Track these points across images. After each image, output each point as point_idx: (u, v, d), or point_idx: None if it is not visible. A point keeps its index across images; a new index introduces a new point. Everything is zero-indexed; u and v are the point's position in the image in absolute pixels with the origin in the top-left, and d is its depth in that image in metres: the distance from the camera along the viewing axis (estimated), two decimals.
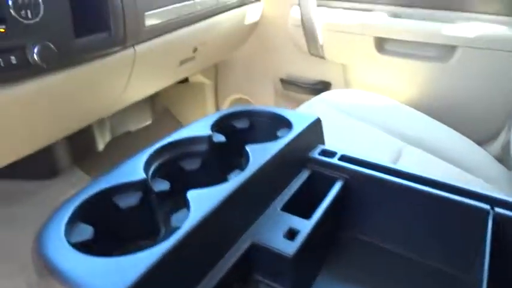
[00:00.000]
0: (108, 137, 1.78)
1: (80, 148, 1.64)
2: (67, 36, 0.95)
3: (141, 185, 0.56)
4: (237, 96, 2.21)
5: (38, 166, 1.47)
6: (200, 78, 2.19)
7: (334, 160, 0.69)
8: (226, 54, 2.07)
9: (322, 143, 0.76)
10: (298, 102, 1.75)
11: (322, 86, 1.86)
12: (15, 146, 1.13)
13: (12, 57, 0.85)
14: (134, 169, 0.57)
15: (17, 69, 0.87)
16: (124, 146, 1.88)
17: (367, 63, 1.66)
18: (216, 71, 2.21)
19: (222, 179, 0.58)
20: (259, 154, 0.61)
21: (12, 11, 0.82)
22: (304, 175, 0.68)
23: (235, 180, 0.54)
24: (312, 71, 1.87)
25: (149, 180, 0.58)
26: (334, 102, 1.43)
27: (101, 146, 1.73)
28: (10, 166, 1.14)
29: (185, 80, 2.16)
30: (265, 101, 2.08)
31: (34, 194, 1.48)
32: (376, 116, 1.34)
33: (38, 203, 1.47)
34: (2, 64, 0.84)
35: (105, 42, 1.06)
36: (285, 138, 0.66)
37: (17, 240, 1.36)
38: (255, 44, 1.99)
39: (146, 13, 1.16)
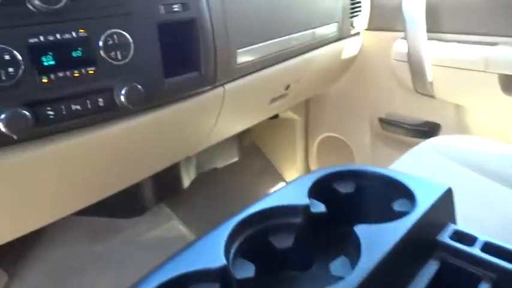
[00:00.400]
0: (194, 174, 1.74)
1: (166, 185, 1.61)
2: (156, 77, 0.89)
3: (220, 273, 0.44)
4: (329, 134, 2.06)
5: (124, 203, 1.46)
6: (290, 113, 2.09)
7: (475, 250, 0.51)
8: (319, 90, 1.94)
9: (454, 221, 0.58)
10: (400, 146, 1.54)
11: (429, 128, 1.63)
12: (105, 184, 1.10)
13: (100, 99, 0.81)
14: (213, 250, 0.46)
15: (104, 111, 0.83)
16: (210, 182, 1.82)
17: (488, 105, 1.42)
18: (307, 107, 2.09)
19: (320, 263, 0.44)
20: (375, 242, 0.45)
21: (102, 52, 0.78)
22: (431, 268, 0.50)
23: (348, 282, 0.40)
24: (417, 111, 1.66)
25: (230, 265, 0.46)
26: (448, 150, 1.20)
27: (186, 183, 1.68)
28: (97, 203, 1.12)
29: (274, 116, 2.07)
30: (361, 142, 1.90)
31: (121, 231, 1.47)
32: (503, 170, 1.10)
33: (124, 241, 1.44)
34: (89, 106, 0.80)
35: (195, 82, 1.00)
36: (409, 218, 0.50)
37: (103, 277, 1.33)
38: (351, 79, 1.84)
39: (238, 50, 1.08)
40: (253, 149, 2.14)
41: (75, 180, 0.96)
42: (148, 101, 0.88)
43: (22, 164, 0.78)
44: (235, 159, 1.94)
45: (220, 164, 1.86)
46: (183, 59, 0.96)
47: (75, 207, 1.06)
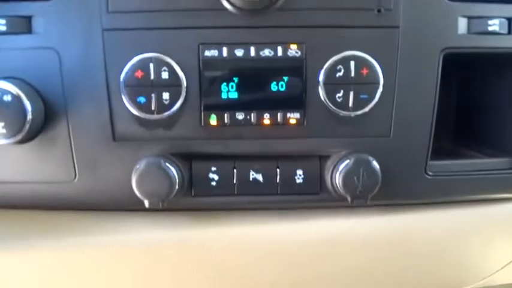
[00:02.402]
0: None
1: None
2: (416, 154, 0.46)
3: None
4: None
5: None
6: None
7: None
8: None
9: None
10: None
11: None
12: None
13: (300, 173, 0.46)
14: None
15: (303, 194, 0.46)
16: None
17: None
18: None
19: None
20: None
21: (321, 89, 0.44)
22: None
23: None
24: None
25: None
26: None
27: None
28: None
29: None
30: None
31: None
32: None
33: None
34: (277, 179, 0.47)
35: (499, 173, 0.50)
36: None
37: None
38: None
39: None
40: None
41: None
42: (394, 196, 0.46)
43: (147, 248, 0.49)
44: None
45: None
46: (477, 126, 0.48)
47: None
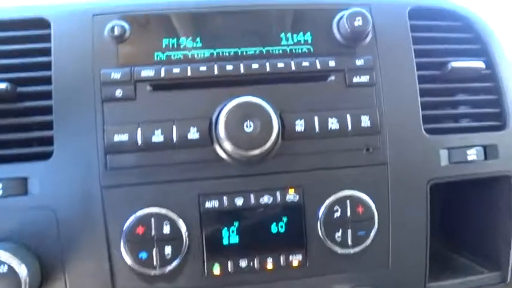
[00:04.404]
0: None
1: None
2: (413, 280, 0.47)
3: None
4: None
5: None
6: None
7: None
8: None
9: None
10: None
11: None
12: None
13: None
14: None
15: None
16: None
17: None
18: None
19: None
20: None
21: (320, 228, 0.44)
22: None
23: None
24: None
25: None
26: None
27: None
28: None
29: None
30: None
31: None
32: None
33: None
34: None
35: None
36: None
37: None
38: None
39: None
40: None
41: None
42: None
43: None
44: None
45: None
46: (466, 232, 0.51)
47: None
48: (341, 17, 0.47)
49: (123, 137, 0.43)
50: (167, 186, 0.43)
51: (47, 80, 0.44)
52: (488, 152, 0.49)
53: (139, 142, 0.42)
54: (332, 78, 0.46)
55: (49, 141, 0.43)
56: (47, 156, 0.43)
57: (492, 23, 0.53)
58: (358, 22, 0.45)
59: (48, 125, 0.43)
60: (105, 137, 0.43)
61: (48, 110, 0.43)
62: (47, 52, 0.44)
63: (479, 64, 0.49)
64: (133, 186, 0.43)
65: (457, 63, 0.49)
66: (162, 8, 0.46)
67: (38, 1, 0.47)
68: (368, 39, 0.47)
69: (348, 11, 0.46)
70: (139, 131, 0.42)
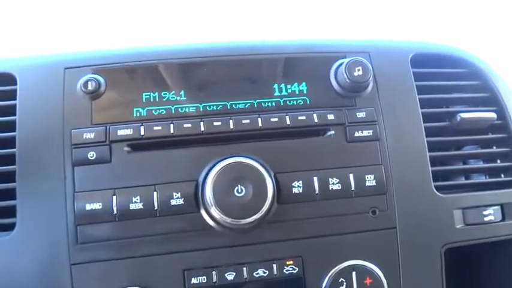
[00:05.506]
0: None
1: None
2: None
3: None
4: None
5: None
6: None
7: None
8: None
9: None
10: None
11: None
12: None
13: None
14: None
15: None
16: None
17: None
18: None
19: None
20: None
21: None
22: None
23: None
24: None
25: None
26: None
27: None
28: None
29: None
30: None
31: None
32: None
33: None
34: None
35: None
36: None
37: None
38: None
39: None
40: None
41: None
42: None
43: None
44: None
45: None
46: None
47: None
48: (339, 66, 0.43)
49: (96, 206, 0.37)
50: (147, 260, 0.38)
51: (10, 142, 0.39)
52: (506, 211, 0.44)
53: (115, 211, 0.37)
54: (331, 133, 0.42)
55: (12, 211, 0.38)
56: (9, 228, 0.38)
57: (500, 67, 0.50)
58: (358, 72, 0.41)
59: (11, 193, 0.38)
60: (75, 206, 0.37)
61: (10, 176, 0.38)
62: (11, 111, 0.39)
63: (490, 115, 0.45)
64: (107, 262, 0.37)
65: (466, 114, 0.44)
66: (142, 59, 0.42)
67: (5, 53, 0.43)
68: (369, 89, 0.43)
69: (347, 59, 0.42)
70: (114, 198, 0.37)
